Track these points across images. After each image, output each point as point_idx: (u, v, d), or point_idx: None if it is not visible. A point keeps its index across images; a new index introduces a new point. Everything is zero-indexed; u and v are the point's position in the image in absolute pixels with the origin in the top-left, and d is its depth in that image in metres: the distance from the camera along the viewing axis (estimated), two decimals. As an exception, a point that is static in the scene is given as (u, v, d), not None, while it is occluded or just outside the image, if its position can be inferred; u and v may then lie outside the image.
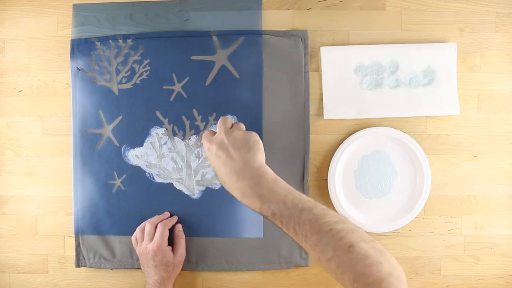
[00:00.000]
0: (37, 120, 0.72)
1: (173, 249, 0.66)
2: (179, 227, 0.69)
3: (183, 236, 0.68)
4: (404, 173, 0.70)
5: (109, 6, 0.70)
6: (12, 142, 0.72)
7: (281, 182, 0.53)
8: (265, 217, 0.52)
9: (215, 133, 0.58)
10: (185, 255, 0.68)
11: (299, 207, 0.50)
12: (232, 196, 0.54)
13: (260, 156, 0.56)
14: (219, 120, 0.58)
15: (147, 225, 0.67)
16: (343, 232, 0.47)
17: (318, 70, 0.70)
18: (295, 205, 0.50)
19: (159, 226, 0.66)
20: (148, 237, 0.66)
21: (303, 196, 0.52)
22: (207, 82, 0.70)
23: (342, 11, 0.70)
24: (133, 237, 0.68)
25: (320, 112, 0.70)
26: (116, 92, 0.70)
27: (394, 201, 0.70)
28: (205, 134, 0.58)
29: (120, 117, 0.70)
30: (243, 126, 0.58)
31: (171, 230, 0.68)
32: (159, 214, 0.69)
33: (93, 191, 0.70)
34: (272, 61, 0.69)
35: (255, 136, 0.57)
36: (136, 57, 0.70)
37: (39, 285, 0.72)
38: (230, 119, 0.59)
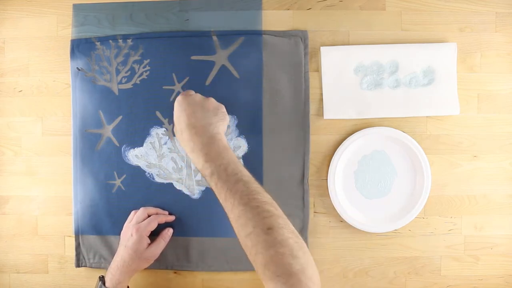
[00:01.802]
0: (37, 120, 0.72)
1: (150, 244, 0.66)
2: (170, 231, 0.68)
3: (167, 240, 0.68)
4: (404, 173, 0.70)
5: (109, 6, 0.70)
6: (12, 142, 0.72)
7: (230, 152, 0.56)
8: (203, 175, 0.55)
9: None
10: (156, 257, 0.66)
11: (237, 176, 0.52)
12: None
13: (222, 125, 0.60)
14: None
15: (141, 209, 0.68)
16: (269, 213, 0.48)
17: (318, 70, 0.70)
18: (234, 174, 0.53)
19: (151, 216, 0.67)
20: (136, 220, 0.66)
21: (245, 170, 0.54)
22: (207, 82, 0.70)
23: (342, 11, 0.70)
24: (128, 218, 0.68)
25: (320, 112, 0.70)
26: (116, 92, 0.70)
27: (394, 201, 0.70)
28: (184, 92, 0.62)
29: (120, 117, 0.70)
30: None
31: (160, 229, 0.68)
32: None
33: (93, 191, 0.70)
34: (272, 61, 0.69)
35: (224, 109, 0.62)
36: (136, 57, 0.70)
37: (39, 285, 0.72)
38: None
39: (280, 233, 0.46)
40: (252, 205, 0.49)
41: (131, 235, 0.64)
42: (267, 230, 0.46)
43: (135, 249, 0.64)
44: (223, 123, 0.60)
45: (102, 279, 0.64)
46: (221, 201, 0.53)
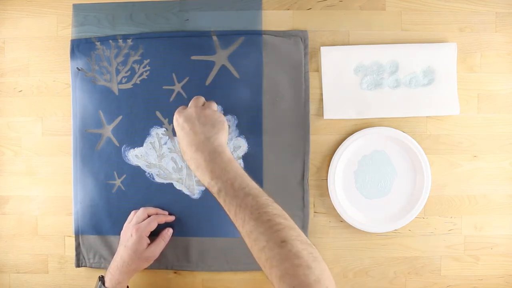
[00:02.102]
0: (37, 120, 0.72)
1: (150, 244, 0.66)
2: (169, 231, 0.68)
3: (167, 240, 0.68)
4: (404, 173, 0.70)
5: (109, 6, 0.70)
6: (12, 142, 0.72)
7: (235, 165, 0.55)
8: (211, 193, 0.54)
9: None
10: (156, 257, 0.66)
11: (245, 191, 0.51)
12: None
13: (223, 136, 0.58)
14: (193, 98, 0.62)
15: (141, 209, 0.67)
16: (281, 226, 0.47)
17: (318, 70, 0.70)
18: (242, 188, 0.52)
19: (151, 216, 0.67)
20: (136, 220, 0.66)
21: (253, 183, 0.53)
22: (207, 82, 0.70)
23: (342, 11, 0.70)
24: (128, 218, 0.68)
25: (320, 112, 0.70)
26: (116, 92, 0.70)
27: (394, 201, 0.70)
28: (178, 108, 0.61)
29: (120, 117, 0.70)
30: (214, 106, 0.62)
31: (160, 229, 0.68)
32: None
33: (93, 191, 0.70)
34: (272, 61, 0.69)
35: (222, 117, 0.61)
36: (136, 57, 0.70)
37: (39, 285, 0.72)
38: (203, 98, 0.62)
39: (294, 245, 0.45)
40: (263, 219, 0.48)
41: (131, 235, 0.64)
42: (281, 243, 0.45)
43: (134, 249, 0.64)
44: (223, 133, 0.59)
45: (101, 279, 0.64)
46: (231, 217, 0.52)
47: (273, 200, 0.52)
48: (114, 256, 0.65)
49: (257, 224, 0.48)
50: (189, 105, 0.61)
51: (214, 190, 0.54)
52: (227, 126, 0.61)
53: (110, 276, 0.63)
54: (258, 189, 0.53)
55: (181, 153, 0.61)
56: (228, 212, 0.52)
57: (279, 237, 0.46)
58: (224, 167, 0.54)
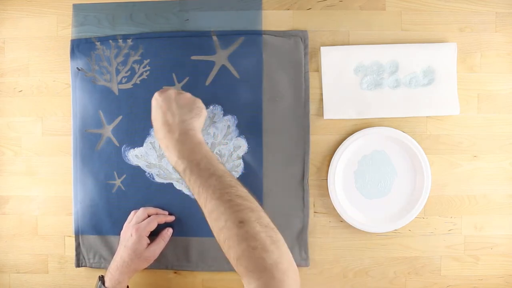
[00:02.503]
0: (37, 120, 0.72)
1: (150, 244, 0.66)
2: (169, 231, 0.68)
3: (166, 240, 0.68)
4: (404, 173, 0.70)
5: (109, 6, 0.70)
6: (12, 142, 0.72)
7: (204, 147, 0.55)
8: (178, 172, 0.54)
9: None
10: (156, 257, 0.66)
11: (210, 171, 0.51)
12: None
13: (198, 121, 0.59)
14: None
15: (141, 209, 0.68)
16: (241, 207, 0.47)
17: (318, 70, 0.70)
18: (207, 169, 0.52)
19: (151, 216, 0.67)
20: (136, 220, 0.66)
21: (220, 165, 0.53)
22: (207, 82, 0.70)
23: (342, 11, 0.70)
24: (128, 218, 0.68)
25: (320, 112, 0.70)
26: (116, 92, 0.70)
27: (394, 201, 0.70)
28: (161, 89, 0.61)
29: (120, 117, 0.70)
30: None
31: (160, 229, 0.68)
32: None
33: (93, 191, 0.70)
34: (272, 61, 0.69)
35: (201, 103, 0.61)
36: (136, 57, 0.70)
37: (39, 285, 0.72)
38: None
39: (252, 227, 0.45)
40: (224, 199, 0.48)
41: (131, 235, 0.64)
42: (239, 224, 0.45)
43: (134, 249, 0.64)
44: (198, 119, 0.59)
45: (101, 278, 0.64)
46: (195, 196, 0.52)
47: (238, 182, 0.52)
48: (114, 256, 0.65)
49: (218, 203, 0.48)
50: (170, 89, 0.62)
51: (180, 169, 0.54)
52: (205, 114, 0.61)
53: (110, 276, 0.63)
54: (223, 170, 0.53)
55: (154, 131, 0.61)
56: (192, 191, 0.52)
57: (238, 217, 0.46)
58: (192, 148, 0.54)
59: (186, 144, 0.55)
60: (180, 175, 0.54)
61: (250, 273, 0.43)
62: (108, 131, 0.70)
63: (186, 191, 0.70)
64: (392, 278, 0.71)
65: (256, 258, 0.43)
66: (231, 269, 0.69)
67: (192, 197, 0.70)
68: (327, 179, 0.69)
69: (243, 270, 0.44)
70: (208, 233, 0.69)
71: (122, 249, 0.64)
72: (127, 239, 0.64)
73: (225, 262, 0.69)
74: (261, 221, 0.46)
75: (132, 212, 0.68)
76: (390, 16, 0.70)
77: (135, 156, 0.70)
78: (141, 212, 0.67)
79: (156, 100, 0.59)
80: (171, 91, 0.60)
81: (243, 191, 0.50)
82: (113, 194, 0.70)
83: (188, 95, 0.60)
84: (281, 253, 0.44)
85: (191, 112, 0.59)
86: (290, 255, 0.45)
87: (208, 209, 0.49)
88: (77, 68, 0.70)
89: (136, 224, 0.65)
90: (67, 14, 0.71)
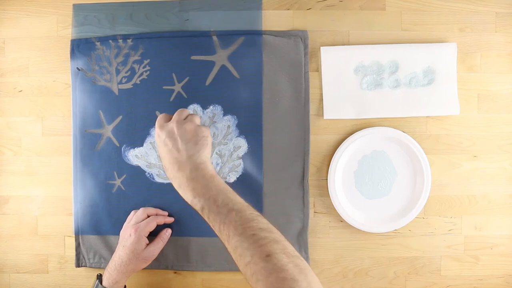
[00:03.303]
0: (37, 120, 0.72)
1: (149, 244, 0.66)
2: (168, 231, 0.68)
3: (165, 240, 0.68)
4: (404, 173, 0.70)
5: (109, 6, 0.70)
6: (12, 142, 0.72)
7: (218, 180, 0.55)
8: (195, 210, 0.54)
9: (170, 117, 0.60)
10: (154, 257, 0.66)
11: (229, 207, 0.51)
12: None
13: (205, 152, 0.58)
14: (177, 112, 0.61)
15: (141, 210, 0.68)
16: (266, 240, 0.47)
17: (318, 70, 0.70)
18: (225, 205, 0.51)
19: (150, 217, 0.67)
20: (135, 220, 0.66)
21: (237, 197, 0.53)
22: (207, 82, 0.70)
23: (342, 11, 0.70)
24: (128, 218, 0.68)
25: (320, 112, 0.70)
26: (116, 92, 0.70)
27: (394, 201, 0.70)
28: (159, 118, 0.60)
29: (120, 117, 0.70)
30: (197, 119, 0.60)
31: (159, 230, 0.68)
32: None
33: (93, 191, 0.70)
34: (272, 61, 0.69)
35: (205, 131, 0.59)
36: (136, 57, 0.70)
37: (39, 285, 0.72)
38: (187, 111, 0.61)
39: (279, 259, 0.45)
40: (247, 234, 0.48)
41: (130, 235, 0.64)
42: (266, 258, 0.45)
43: (133, 249, 0.64)
44: (205, 150, 0.58)
45: (99, 277, 0.64)
46: (216, 233, 0.51)
47: (258, 214, 0.51)
48: (113, 256, 0.65)
49: (242, 239, 0.47)
50: (172, 118, 0.60)
51: (197, 207, 0.53)
52: (210, 141, 0.60)
53: (108, 275, 0.63)
54: (242, 203, 0.52)
55: (164, 169, 0.60)
56: (213, 229, 0.52)
57: (264, 251, 0.45)
58: (206, 184, 0.54)
59: (199, 181, 0.54)
60: (198, 213, 0.54)
61: None
62: (108, 131, 0.70)
63: (186, 191, 0.70)
64: (392, 278, 0.71)
65: None
66: (231, 269, 0.70)
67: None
68: (327, 179, 0.69)
69: None
70: (208, 233, 0.70)
71: (121, 249, 0.64)
72: (126, 239, 0.64)
73: (225, 262, 0.70)
74: (287, 251, 0.46)
75: (132, 212, 0.68)
76: (390, 16, 0.70)
77: (135, 156, 0.70)
78: (140, 212, 0.67)
79: (159, 137, 0.58)
80: (173, 125, 0.58)
81: (264, 222, 0.50)
82: (113, 194, 0.70)
83: (190, 126, 0.58)
84: (309, 281, 0.44)
85: (197, 144, 0.57)
86: (318, 281, 0.45)
87: (232, 246, 0.48)
88: (77, 68, 0.70)
89: (135, 224, 0.65)
90: (67, 14, 0.71)
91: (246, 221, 0.49)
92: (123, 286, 0.65)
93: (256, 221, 0.49)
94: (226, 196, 0.52)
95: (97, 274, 0.65)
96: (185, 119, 0.60)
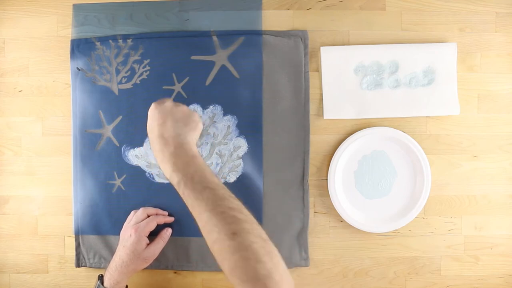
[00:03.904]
0: (37, 120, 0.72)
1: (149, 244, 0.66)
2: (168, 231, 0.69)
3: (165, 240, 0.68)
4: (404, 173, 0.70)
5: (109, 6, 0.70)
6: (12, 142, 0.72)
7: (199, 160, 0.55)
8: (172, 184, 0.54)
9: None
10: (155, 257, 0.66)
11: (203, 184, 0.52)
12: None
13: (193, 135, 0.59)
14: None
15: (141, 210, 0.68)
16: (234, 218, 0.47)
17: (318, 70, 0.70)
18: (200, 182, 0.52)
19: (150, 217, 0.67)
20: (135, 220, 0.66)
21: (213, 177, 0.53)
22: (207, 82, 0.70)
23: (342, 11, 0.70)
24: (128, 218, 0.68)
25: (320, 112, 0.70)
26: (116, 92, 0.70)
27: (394, 201, 0.70)
28: (158, 100, 0.61)
29: (120, 117, 0.70)
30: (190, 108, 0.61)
31: (159, 229, 0.68)
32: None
33: (93, 191, 0.70)
34: (272, 61, 0.69)
35: (197, 116, 0.60)
36: (136, 57, 0.70)
37: (39, 285, 0.72)
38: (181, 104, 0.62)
39: (245, 238, 0.45)
40: (217, 211, 0.48)
41: (130, 235, 0.64)
42: (232, 235, 0.45)
43: (133, 249, 0.64)
44: (193, 133, 0.59)
45: (101, 278, 0.64)
46: (189, 209, 0.52)
47: (231, 194, 0.52)
48: (113, 256, 0.65)
49: (211, 216, 0.48)
50: (169, 101, 0.61)
51: (174, 181, 0.54)
52: (201, 127, 0.60)
53: (109, 275, 0.63)
54: (217, 183, 0.53)
55: (149, 142, 0.61)
56: (186, 204, 0.53)
57: (231, 229, 0.46)
58: (187, 162, 0.54)
59: (180, 157, 0.55)
60: (174, 188, 0.54)
61: (243, 283, 0.43)
62: (108, 131, 0.70)
63: (186, 191, 0.70)
64: (392, 278, 0.71)
65: (249, 269, 0.43)
66: (231, 269, 0.70)
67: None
68: (327, 179, 0.69)
69: (236, 281, 0.44)
70: (208, 233, 0.70)
71: (121, 249, 0.64)
72: (126, 239, 0.64)
73: (225, 262, 0.70)
74: (255, 232, 0.47)
75: (132, 212, 0.68)
76: (390, 16, 0.70)
77: (135, 156, 0.70)
78: (140, 212, 0.67)
79: (152, 112, 0.59)
80: (168, 103, 0.59)
81: (236, 203, 0.50)
82: (113, 194, 0.70)
83: (184, 108, 0.60)
84: (275, 263, 0.44)
85: (187, 125, 0.58)
86: (285, 267, 0.45)
87: (202, 222, 0.49)
88: (77, 68, 0.70)
89: (135, 224, 0.65)
90: (67, 14, 0.71)
91: (218, 199, 0.50)
92: (125, 286, 0.65)
93: (228, 200, 0.50)
94: (203, 175, 0.53)
95: (99, 275, 0.65)
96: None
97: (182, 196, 0.53)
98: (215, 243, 0.47)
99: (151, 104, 0.69)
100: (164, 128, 0.57)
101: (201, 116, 0.69)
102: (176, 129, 0.57)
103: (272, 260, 0.44)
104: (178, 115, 0.58)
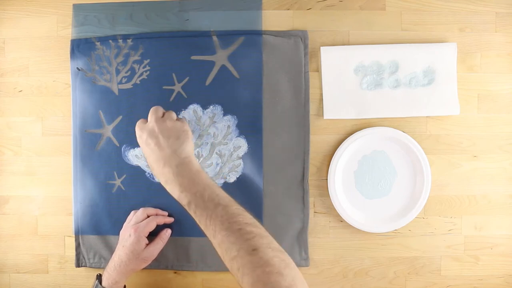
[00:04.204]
0: (37, 120, 0.72)
1: (148, 245, 0.66)
2: (168, 231, 0.68)
3: (165, 241, 0.68)
4: (404, 173, 0.70)
5: (109, 6, 0.70)
6: (12, 142, 0.72)
7: (204, 175, 0.55)
8: (182, 205, 0.54)
9: (147, 121, 0.60)
10: (154, 257, 0.66)
11: (215, 202, 0.51)
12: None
13: (188, 146, 0.58)
14: (151, 110, 0.60)
15: (140, 210, 0.68)
16: (251, 234, 0.47)
17: (318, 70, 0.70)
18: (211, 200, 0.52)
19: (150, 217, 0.67)
20: (135, 220, 0.66)
21: (223, 193, 0.53)
22: (207, 82, 0.70)
23: (342, 11, 0.70)
24: (127, 218, 0.68)
25: (320, 112, 0.70)
26: (116, 92, 0.70)
27: (394, 201, 0.70)
28: (138, 122, 0.60)
29: (120, 117, 0.70)
30: (174, 115, 0.61)
31: (159, 230, 0.68)
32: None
33: (93, 191, 0.70)
34: (272, 61, 0.69)
35: (185, 125, 0.60)
36: (136, 57, 0.70)
37: (39, 285, 0.72)
38: (161, 108, 0.61)
39: (265, 253, 0.45)
40: (233, 228, 0.48)
41: (129, 235, 0.64)
42: (252, 251, 0.46)
43: (132, 249, 0.64)
44: (188, 144, 0.58)
45: (99, 277, 0.64)
46: (202, 228, 0.52)
47: (243, 209, 0.52)
48: (112, 256, 0.65)
49: (228, 234, 0.48)
50: (149, 118, 0.60)
51: (184, 202, 0.54)
52: (191, 134, 0.60)
53: (108, 275, 0.63)
54: (228, 198, 0.53)
55: (150, 168, 0.61)
56: (199, 224, 0.52)
57: (250, 245, 0.46)
58: (193, 179, 0.54)
59: (185, 175, 0.54)
60: (185, 208, 0.54)
61: None
62: (108, 131, 0.70)
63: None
64: (392, 278, 0.71)
65: (272, 282, 0.43)
66: (231, 269, 0.70)
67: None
68: (327, 179, 0.69)
69: None
70: (208, 233, 0.70)
71: (121, 249, 0.64)
72: (126, 239, 0.64)
73: (225, 262, 0.70)
74: (273, 246, 0.47)
75: (132, 212, 0.68)
76: (390, 16, 0.70)
77: (135, 156, 0.70)
78: (140, 213, 0.67)
79: (141, 138, 0.59)
80: (152, 124, 0.58)
81: (250, 217, 0.50)
82: (113, 194, 0.70)
83: (170, 123, 0.58)
84: (294, 276, 0.45)
85: (179, 139, 0.58)
86: (302, 276, 0.46)
87: (218, 240, 0.49)
88: (77, 68, 0.70)
89: (135, 224, 0.65)
90: (67, 14, 0.71)
91: (232, 215, 0.50)
92: (123, 286, 0.65)
93: (242, 216, 0.50)
94: (212, 191, 0.53)
95: (97, 274, 0.65)
96: (162, 116, 0.60)
97: (193, 215, 0.53)
98: (235, 260, 0.47)
99: (151, 104, 0.69)
100: (158, 150, 0.57)
101: (201, 116, 0.69)
102: (171, 146, 0.57)
103: (292, 272, 0.45)
104: (167, 132, 0.58)
